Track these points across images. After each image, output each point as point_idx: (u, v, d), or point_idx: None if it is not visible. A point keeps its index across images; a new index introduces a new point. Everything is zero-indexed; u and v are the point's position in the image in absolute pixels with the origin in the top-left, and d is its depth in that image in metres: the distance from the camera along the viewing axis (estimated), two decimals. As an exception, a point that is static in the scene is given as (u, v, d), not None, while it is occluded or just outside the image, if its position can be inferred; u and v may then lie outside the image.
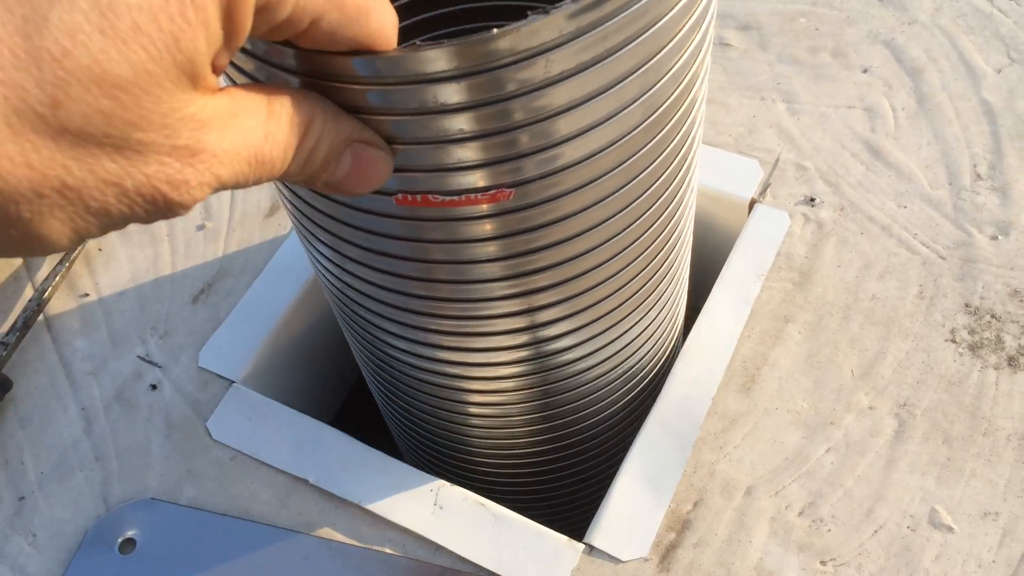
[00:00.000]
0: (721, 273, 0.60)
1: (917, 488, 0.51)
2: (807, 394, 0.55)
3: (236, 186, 0.27)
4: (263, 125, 0.27)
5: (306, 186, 0.32)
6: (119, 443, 0.58)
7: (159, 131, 0.24)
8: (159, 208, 0.25)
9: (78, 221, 0.24)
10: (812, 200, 0.63)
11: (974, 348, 0.56)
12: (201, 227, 0.69)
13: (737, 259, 0.61)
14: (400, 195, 0.35)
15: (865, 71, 0.70)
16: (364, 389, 0.79)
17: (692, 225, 0.50)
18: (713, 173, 0.65)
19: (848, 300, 0.58)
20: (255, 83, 0.29)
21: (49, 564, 0.54)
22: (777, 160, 0.66)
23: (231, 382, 0.60)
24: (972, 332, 0.56)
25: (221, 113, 0.26)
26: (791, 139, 0.67)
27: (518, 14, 0.48)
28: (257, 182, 0.28)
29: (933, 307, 0.57)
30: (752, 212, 0.63)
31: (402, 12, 0.46)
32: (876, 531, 0.50)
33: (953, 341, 0.56)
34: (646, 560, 0.50)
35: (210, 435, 0.58)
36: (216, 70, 0.26)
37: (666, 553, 0.50)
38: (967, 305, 0.57)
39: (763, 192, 0.64)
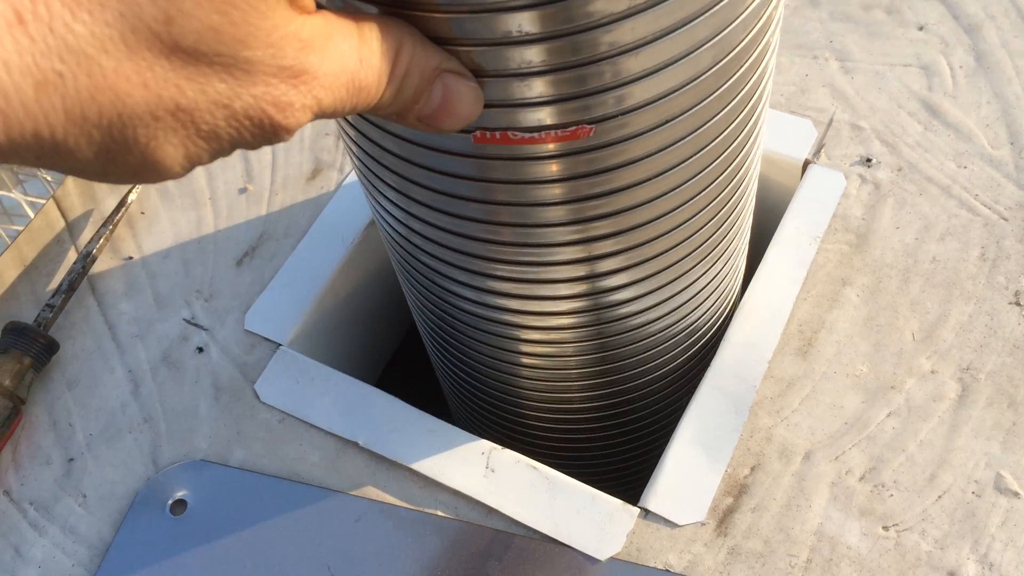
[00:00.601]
0: (775, 235, 0.59)
1: (982, 453, 0.50)
2: (866, 358, 0.54)
3: (334, 113, 0.27)
4: (356, 49, 0.26)
5: (398, 121, 0.31)
6: (167, 405, 0.58)
7: (265, 49, 0.23)
8: (265, 132, 0.25)
9: (190, 146, 0.24)
10: (868, 161, 0.62)
11: (1039, 311, 0.54)
12: (243, 190, 0.68)
13: (791, 221, 0.59)
14: (479, 132, 0.35)
15: (921, 28, 0.68)
16: (407, 352, 0.79)
17: (756, 178, 0.49)
18: (765, 133, 0.64)
19: (907, 262, 0.57)
20: (342, 8, 0.28)
21: (100, 525, 0.54)
22: (831, 120, 0.64)
23: (278, 345, 0.60)
24: (1036, 295, 0.55)
25: (319, 34, 0.25)
26: (845, 98, 0.65)
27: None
28: (353, 110, 0.27)
29: (996, 269, 0.56)
30: (806, 173, 0.62)
31: None
32: (940, 496, 0.49)
33: (1017, 304, 0.54)
34: (703, 524, 0.49)
35: (258, 397, 0.57)
36: None
37: (724, 517, 0.50)
38: (1031, 267, 0.56)
39: (817, 152, 0.63)
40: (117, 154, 0.23)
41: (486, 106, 0.34)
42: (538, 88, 0.33)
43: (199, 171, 0.69)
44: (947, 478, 0.49)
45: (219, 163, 0.69)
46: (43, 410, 0.59)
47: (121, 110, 0.22)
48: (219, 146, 0.24)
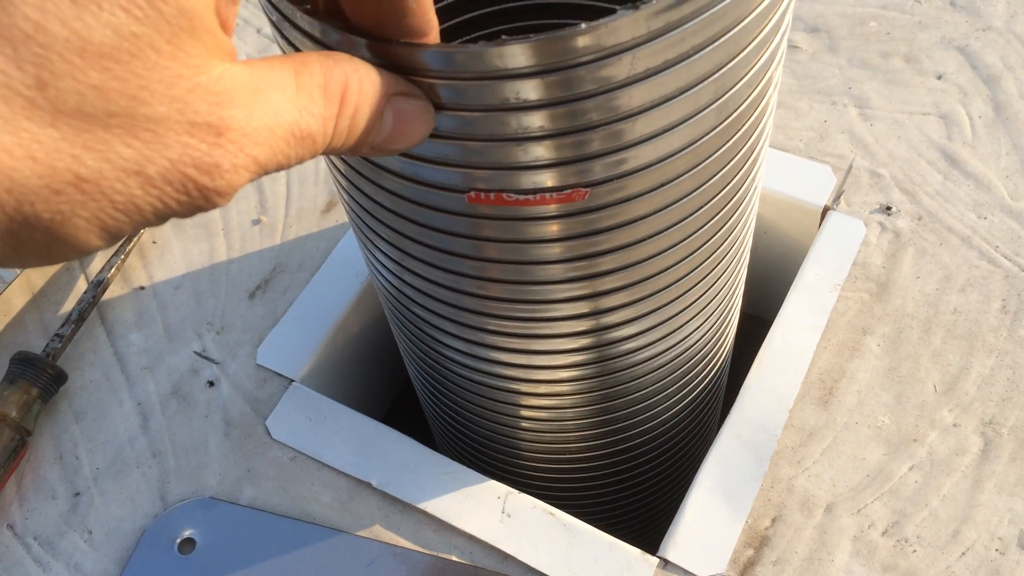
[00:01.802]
0: (795, 282, 0.59)
1: (1006, 509, 0.49)
2: (888, 409, 0.53)
3: (279, 167, 0.25)
4: (292, 99, 0.24)
5: (352, 154, 0.30)
6: (176, 440, 0.57)
7: (168, 104, 0.21)
8: (193, 198, 0.23)
9: (106, 219, 0.22)
10: (888, 209, 0.61)
11: (1061, 366, 0.54)
12: (257, 222, 0.67)
13: (811, 268, 0.59)
14: (473, 193, 0.34)
15: (939, 77, 0.68)
16: (413, 389, 0.78)
17: (754, 221, 0.49)
18: (784, 179, 0.64)
19: (929, 313, 0.57)
20: (276, 55, 0.26)
21: (106, 563, 0.53)
22: (851, 166, 0.64)
23: (290, 380, 0.59)
24: (1058, 349, 0.54)
25: (241, 87, 0.23)
26: (864, 145, 0.65)
27: (558, 14, 0.48)
28: (300, 160, 0.25)
29: (1017, 322, 0.56)
30: (825, 220, 0.62)
31: (442, 14, 0.45)
32: (963, 553, 0.48)
33: (1039, 358, 0.54)
34: (723, 576, 0.49)
35: (269, 434, 0.56)
36: (224, 25, 0.23)
37: (744, 570, 0.49)
38: (1052, 321, 0.56)
39: (837, 199, 0.62)
40: (22, 234, 0.21)
41: (481, 167, 0.33)
42: (534, 152, 0.32)
43: (213, 201, 0.68)
44: (971, 534, 0.49)
45: (233, 194, 0.69)
46: (49, 442, 0.58)
47: (10, 187, 0.20)
48: (142, 217, 0.22)
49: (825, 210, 0.62)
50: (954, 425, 0.52)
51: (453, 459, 0.64)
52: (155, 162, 0.21)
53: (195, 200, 0.23)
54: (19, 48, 0.19)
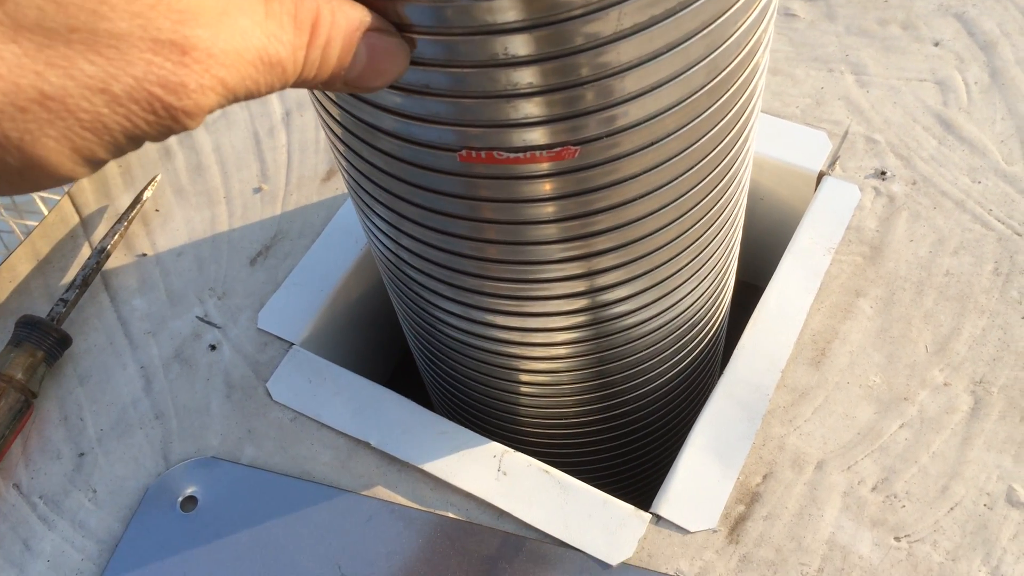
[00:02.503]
0: (789, 245, 0.59)
1: (994, 466, 0.50)
2: (879, 369, 0.54)
3: (248, 94, 0.24)
4: (261, 25, 0.24)
5: (324, 89, 0.30)
6: (179, 402, 0.58)
7: (130, 20, 0.21)
8: (161, 119, 0.22)
9: (75, 139, 0.21)
10: (883, 174, 0.62)
11: (1052, 326, 0.54)
12: (258, 190, 0.68)
13: (806, 232, 0.60)
14: (464, 151, 0.35)
15: (936, 44, 0.68)
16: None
17: (748, 184, 0.49)
18: (779, 145, 0.64)
19: (921, 275, 0.57)
20: None
21: (110, 520, 0.54)
22: (846, 132, 0.64)
23: (290, 344, 0.60)
24: (1050, 310, 0.55)
25: (207, 7, 0.23)
26: (860, 111, 0.65)
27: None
28: (271, 89, 0.25)
29: (1009, 284, 0.56)
30: (821, 184, 0.62)
31: None
32: (952, 508, 0.49)
33: (1030, 319, 0.55)
34: (715, 531, 0.49)
35: (270, 396, 0.57)
36: None
37: (735, 525, 0.49)
38: (1044, 283, 0.56)
39: (832, 164, 0.63)
40: None
41: (471, 125, 0.33)
42: (524, 109, 0.33)
43: (214, 170, 0.69)
44: (959, 490, 0.49)
45: (234, 162, 0.70)
46: (54, 404, 0.59)
47: None
48: (112, 138, 0.22)
49: (820, 175, 0.63)
50: (944, 384, 0.53)
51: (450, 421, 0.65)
52: (120, 80, 0.21)
53: (163, 120, 0.23)
54: None
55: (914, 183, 0.61)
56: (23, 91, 0.20)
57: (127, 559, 0.52)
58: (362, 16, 0.28)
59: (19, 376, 0.57)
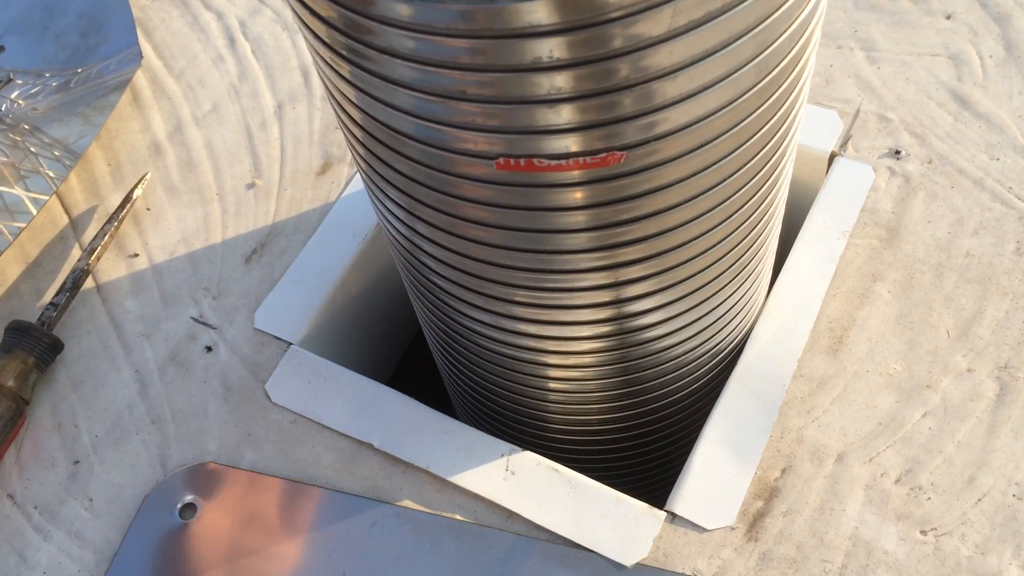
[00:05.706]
0: (802, 230, 0.57)
1: (1022, 454, 0.48)
2: (900, 356, 0.52)
3: None
4: None
5: None
6: (175, 406, 0.56)
7: None
8: None
9: None
10: (897, 153, 0.60)
11: (1078, 307, 0.52)
12: (251, 186, 0.66)
13: (818, 215, 0.58)
14: (502, 159, 0.33)
15: (948, 17, 0.66)
16: (419, 350, 0.77)
17: (787, 189, 0.47)
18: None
19: (940, 257, 0.55)
20: None
21: (107, 530, 0.52)
22: (858, 111, 0.62)
23: (288, 344, 0.58)
24: (1075, 290, 0.53)
25: None
26: (872, 89, 0.63)
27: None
28: None
29: (1032, 264, 0.54)
30: (833, 166, 0.60)
31: None
32: (979, 500, 0.47)
33: (1055, 300, 0.53)
34: (733, 529, 0.48)
35: (269, 398, 0.55)
36: None
37: (754, 522, 0.48)
38: (1068, 262, 0.54)
39: (844, 145, 0.61)
40: None
41: (512, 132, 0.32)
42: (567, 115, 0.31)
43: (205, 166, 0.67)
44: (987, 480, 0.48)
45: (226, 158, 0.68)
46: (48, 411, 0.57)
47: None
48: None
49: (832, 156, 0.61)
50: (968, 370, 0.51)
51: (468, 422, 0.63)
52: None
53: None
54: None
55: (930, 162, 0.59)
56: None
57: (125, 569, 0.51)
58: None
59: (10, 383, 0.55)
